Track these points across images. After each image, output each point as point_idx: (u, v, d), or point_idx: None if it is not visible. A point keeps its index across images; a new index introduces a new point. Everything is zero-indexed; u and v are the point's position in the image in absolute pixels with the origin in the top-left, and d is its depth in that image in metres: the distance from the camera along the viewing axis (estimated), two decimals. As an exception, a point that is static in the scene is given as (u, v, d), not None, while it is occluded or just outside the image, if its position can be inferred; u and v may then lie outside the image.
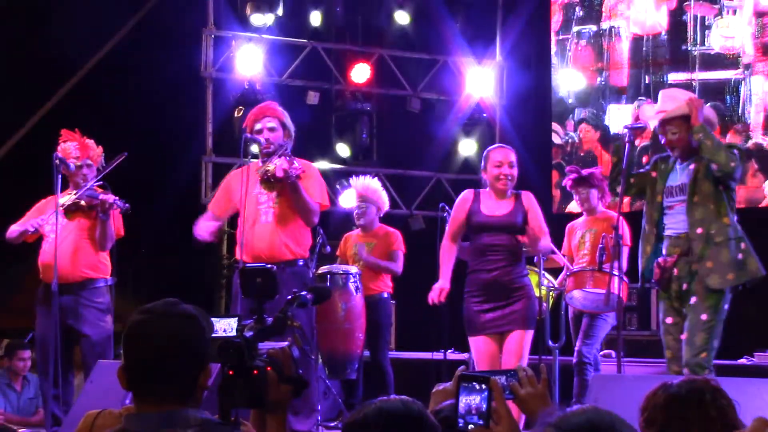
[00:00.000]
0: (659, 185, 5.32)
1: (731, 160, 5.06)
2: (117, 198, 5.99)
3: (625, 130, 5.61)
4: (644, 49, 9.65)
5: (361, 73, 10.34)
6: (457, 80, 10.54)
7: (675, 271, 5.19)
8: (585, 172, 7.18)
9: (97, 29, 9.43)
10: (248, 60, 9.70)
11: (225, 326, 2.75)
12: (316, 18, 10.41)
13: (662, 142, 5.32)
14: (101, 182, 6.17)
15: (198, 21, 9.72)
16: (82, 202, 6.04)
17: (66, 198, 6.11)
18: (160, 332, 2.32)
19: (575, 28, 10.05)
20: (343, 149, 10.71)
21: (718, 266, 5.09)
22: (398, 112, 10.65)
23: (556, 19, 10.16)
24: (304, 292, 3.04)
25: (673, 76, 9.34)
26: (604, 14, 9.87)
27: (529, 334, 5.49)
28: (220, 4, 9.87)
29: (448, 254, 5.68)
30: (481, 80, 10.42)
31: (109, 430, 2.44)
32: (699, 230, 5.13)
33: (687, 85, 8.92)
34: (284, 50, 10.14)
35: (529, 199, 5.65)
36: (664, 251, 5.27)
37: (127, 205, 6.00)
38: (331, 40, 10.58)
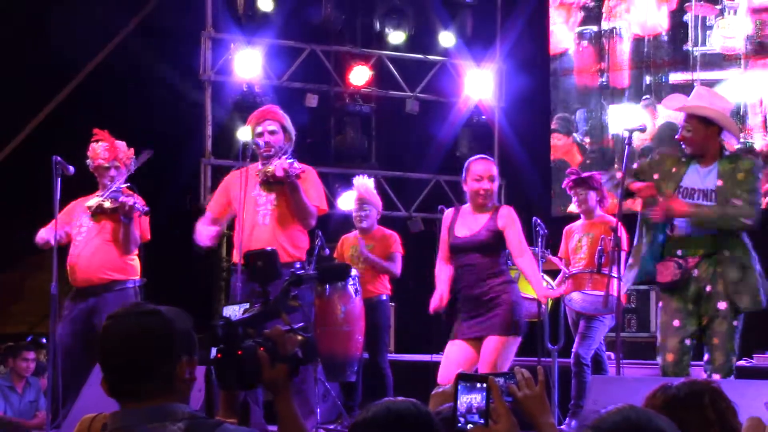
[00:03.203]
0: (667, 186, 5.26)
1: (744, 215, 5.06)
2: (138, 201, 6.00)
3: (626, 132, 5.63)
4: (645, 49, 9.70)
5: (359, 75, 10.34)
6: (456, 82, 10.54)
7: (695, 272, 5.18)
8: (585, 174, 7.21)
9: (96, 32, 9.44)
10: (247, 62, 9.70)
11: (230, 312, 2.78)
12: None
13: (676, 136, 5.30)
14: (128, 184, 6.17)
15: (197, 24, 9.73)
16: (107, 204, 6.04)
17: (93, 200, 6.12)
18: (125, 332, 2.39)
19: (577, 29, 10.11)
20: (342, 151, 10.72)
21: (747, 288, 5.10)
22: (397, 114, 10.65)
23: (574, 20, 10.18)
24: (303, 271, 3.02)
25: (674, 77, 9.40)
26: (604, 14, 9.89)
27: (510, 340, 5.35)
28: (219, 6, 9.87)
29: (444, 275, 5.62)
30: (479, 82, 10.43)
31: None
32: (726, 252, 5.12)
33: (688, 86, 8.82)
34: (283, 53, 10.15)
35: (506, 217, 5.49)
36: (679, 251, 5.23)
37: (146, 207, 6.01)
38: (329, 42, 10.59)
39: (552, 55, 10.34)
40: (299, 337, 2.67)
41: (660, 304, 5.34)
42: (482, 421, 2.34)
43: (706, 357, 5.18)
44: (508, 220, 5.47)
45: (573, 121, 10.11)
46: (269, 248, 3.23)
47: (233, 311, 2.81)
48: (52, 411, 6.01)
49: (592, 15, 9.99)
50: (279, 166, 5.53)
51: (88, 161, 6.21)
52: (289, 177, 5.51)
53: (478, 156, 5.77)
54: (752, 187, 5.12)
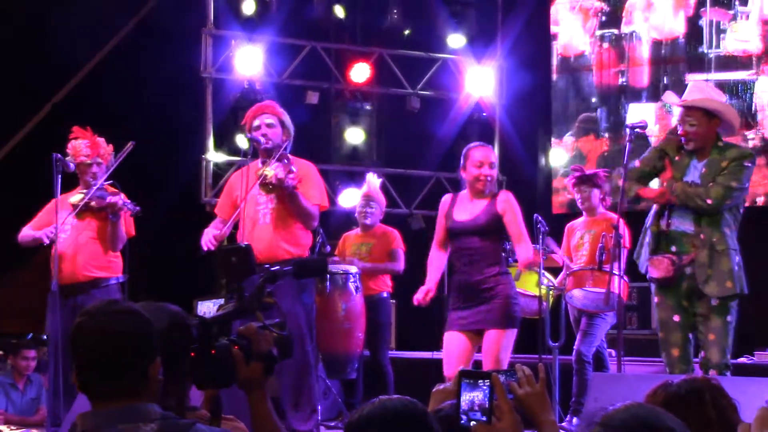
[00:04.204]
0: (675, 178, 5.28)
1: (706, 195, 5.09)
2: (127, 200, 6.00)
3: (627, 129, 5.65)
4: (663, 51, 9.94)
5: (360, 72, 10.33)
6: (457, 79, 10.54)
7: (688, 269, 5.19)
8: (589, 171, 7.21)
9: (97, 30, 9.43)
10: (248, 60, 9.69)
11: (205, 309, 2.76)
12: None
13: (679, 132, 5.30)
14: (111, 181, 6.17)
15: (197, 21, 9.72)
16: (93, 203, 6.04)
17: (77, 197, 6.11)
18: (100, 330, 2.34)
19: (599, 32, 10.31)
20: (342, 149, 10.72)
21: (717, 274, 5.10)
22: (398, 112, 10.65)
23: (590, 25, 10.34)
24: (277, 267, 2.97)
25: (691, 77, 9.56)
26: (624, 18, 10.10)
27: (508, 333, 5.38)
28: (220, 4, 9.87)
29: (436, 262, 5.67)
30: (480, 79, 10.42)
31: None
32: (702, 236, 5.13)
33: None
34: (283, 50, 10.14)
35: (505, 202, 5.51)
36: (674, 248, 5.25)
37: (137, 207, 6.02)
38: (330, 39, 10.59)
39: (568, 56, 10.46)
40: (274, 335, 2.66)
41: (656, 300, 5.36)
42: (485, 418, 2.33)
43: (701, 354, 5.19)
44: (507, 205, 5.49)
45: (597, 119, 10.25)
46: (244, 244, 3.21)
47: (207, 307, 2.79)
48: (52, 409, 6.00)
49: (612, 19, 10.18)
50: (274, 175, 5.51)
51: (68, 158, 6.17)
52: (285, 189, 5.50)
53: (476, 143, 5.81)
54: (732, 172, 5.13)
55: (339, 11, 10.55)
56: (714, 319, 5.12)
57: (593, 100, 10.28)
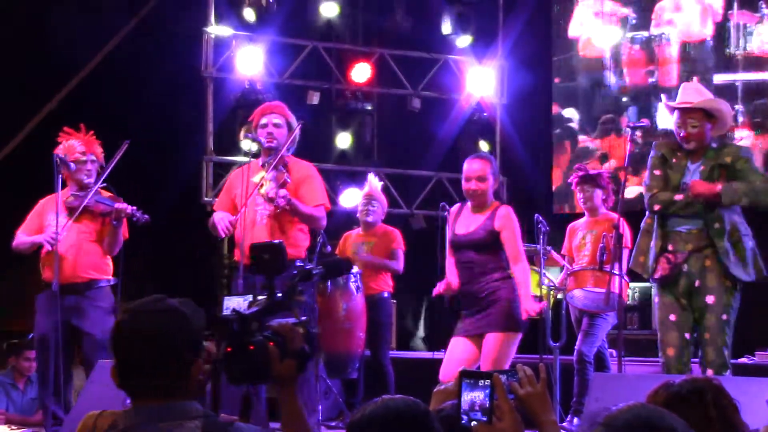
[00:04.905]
0: (674, 180, 5.29)
1: None
2: (135, 208, 5.98)
3: (629, 129, 5.67)
4: (692, 53, 10.10)
5: (361, 72, 10.33)
6: (458, 79, 10.53)
7: (685, 267, 5.20)
8: (593, 171, 7.20)
9: (97, 30, 9.43)
10: (249, 60, 9.69)
11: (235, 305, 2.77)
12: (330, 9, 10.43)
13: (681, 135, 5.30)
14: (105, 184, 6.15)
15: (198, 21, 9.72)
16: (93, 208, 6.03)
17: (70, 198, 6.09)
18: (143, 329, 2.37)
19: (629, 34, 10.45)
20: (343, 149, 10.72)
21: (738, 259, 5.12)
22: (399, 112, 10.64)
23: (613, 29, 10.51)
24: (310, 266, 3.01)
25: (719, 77, 9.79)
26: (654, 21, 10.26)
27: (509, 336, 5.34)
28: (221, 3, 9.87)
29: (452, 267, 5.64)
30: (481, 79, 10.41)
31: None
32: (717, 225, 5.14)
33: (730, 86, 9.55)
34: (284, 50, 10.14)
35: (504, 218, 5.43)
36: (670, 246, 5.26)
37: (146, 216, 6.00)
38: (331, 39, 10.58)
39: (591, 58, 10.57)
40: (303, 331, 2.67)
41: (656, 300, 5.37)
42: (485, 418, 2.33)
43: (700, 353, 5.20)
44: (506, 222, 5.43)
45: (617, 119, 10.34)
46: (277, 241, 3.23)
47: (237, 303, 2.80)
48: (49, 408, 6.00)
49: (641, 22, 10.35)
50: (266, 193, 5.52)
51: (62, 157, 6.14)
52: (276, 207, 5.51)
53: (472, 155, 5.77)
54: (756, 170, 5.18)
55: (339, 11, 10.55)
56: (709, 317, 5.13)
57: (624, 99, 10.35)
